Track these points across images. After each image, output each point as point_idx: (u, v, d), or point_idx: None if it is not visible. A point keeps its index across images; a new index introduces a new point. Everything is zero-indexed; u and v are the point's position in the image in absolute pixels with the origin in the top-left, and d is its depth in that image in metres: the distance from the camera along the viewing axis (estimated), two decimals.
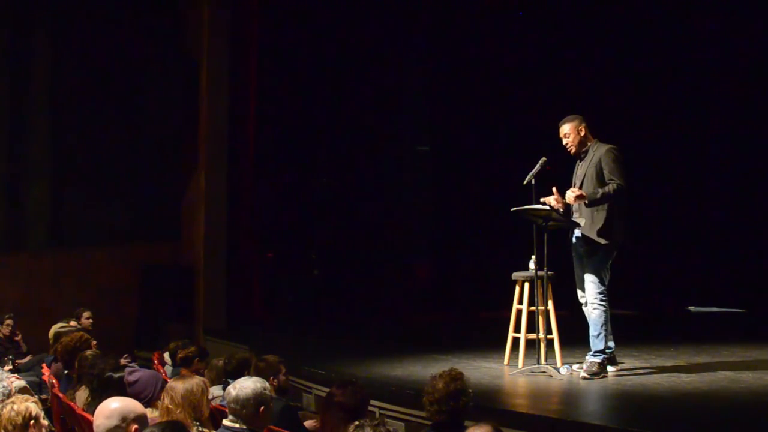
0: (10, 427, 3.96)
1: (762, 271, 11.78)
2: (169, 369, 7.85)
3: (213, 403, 5.35)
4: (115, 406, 4.05)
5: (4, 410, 4.01)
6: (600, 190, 6.82)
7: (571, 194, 6.86)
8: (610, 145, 6.95)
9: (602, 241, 6.82)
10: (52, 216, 12.06)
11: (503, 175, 11.67)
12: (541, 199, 6.94)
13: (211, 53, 12.21)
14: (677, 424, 5.65)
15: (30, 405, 4.04)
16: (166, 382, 5.15)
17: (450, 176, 13.65)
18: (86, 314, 9.93)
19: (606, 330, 6.88)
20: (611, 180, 6.83)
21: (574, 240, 7.03)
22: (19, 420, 3.98)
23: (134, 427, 3.97)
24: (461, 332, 11.08)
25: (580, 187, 6.94)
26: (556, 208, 6.86)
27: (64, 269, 12.04)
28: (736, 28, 12.18)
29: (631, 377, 6.93)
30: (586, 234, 6.88)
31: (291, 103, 12.85)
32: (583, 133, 7.00)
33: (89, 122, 12.13)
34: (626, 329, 8.33)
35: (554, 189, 6.94)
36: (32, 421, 4.00)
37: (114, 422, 3.97)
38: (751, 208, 12.20)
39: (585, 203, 6.84)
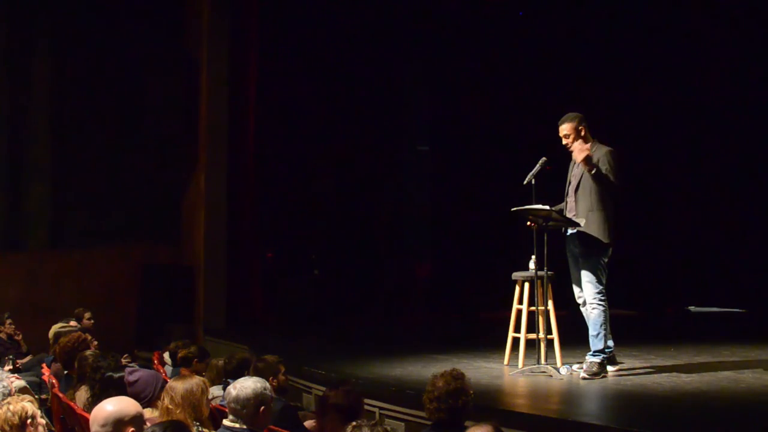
0: (7, 428, 3.95)
1: (762, 271, 11.78)
2: (169, 369, 7.84)
3: (213, 403, 5.34)
4: (109, 409, 3.95)
5: (1, 411, 4.00)
6: (607, 174, 6.75)
7: (581, 155, 6.74)
8: (609, 148, 6.90)
9: (600, 239, 6.80)
10: (52, 216, 12.07)
11: (503, 175, 11.66)
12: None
13: (211, 54, 12.21)
14: (677, 424, 5.64)
15: (26, 404, 4.04)
16: (166, 382, 5.14)
17: (450, 176, 13.64)
18: (87, 315, 9.95)
19: (605, 329, 6.87)
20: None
21: (567, 237, 7.01)
22: (16, 420, 3.98)
23: (130, 429, 3.91)
24: (461, 332, 11.08)
25: (577, 188, 6.93)
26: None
27: (64, 269, 12.04)
28: (734, 28, 12.19)
29: (631, 377, 6.92)
30: (583, 233, 6.86)
31: (291, 103, 12.86)
32: (583, 133, 6.96)
33: (89, 123, 12.13)
34: (626, 329, 8.32)
35: None
36: (29, 420, 3.99)
37: (109, 429, 3.89)
38: (751, 209, 12.20)
39: (591, 172, 6.74)
